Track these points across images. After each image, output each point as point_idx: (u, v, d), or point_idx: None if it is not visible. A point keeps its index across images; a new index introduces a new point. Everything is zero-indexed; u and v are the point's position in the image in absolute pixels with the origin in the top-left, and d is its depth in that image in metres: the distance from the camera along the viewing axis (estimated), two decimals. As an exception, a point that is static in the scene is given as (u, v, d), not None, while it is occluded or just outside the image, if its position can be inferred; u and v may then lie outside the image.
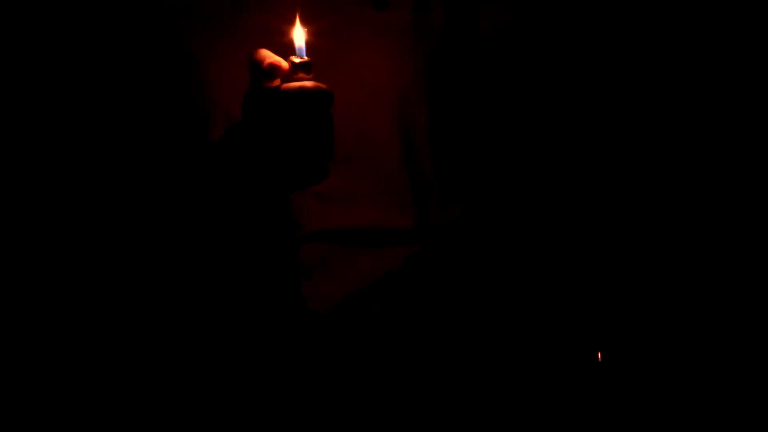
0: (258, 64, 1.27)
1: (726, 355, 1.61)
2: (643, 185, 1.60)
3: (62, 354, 1.53)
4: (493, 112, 1.50)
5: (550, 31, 1.52)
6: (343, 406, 1.44)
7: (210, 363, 1.46)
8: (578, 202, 1.55)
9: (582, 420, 1.52)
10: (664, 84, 1.61)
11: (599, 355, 1.53)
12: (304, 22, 1.29)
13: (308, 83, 1.26)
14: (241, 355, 1.45)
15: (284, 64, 1.27)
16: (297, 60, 1.27)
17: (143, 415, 1.48)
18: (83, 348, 1.52)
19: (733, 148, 1.63)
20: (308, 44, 1.29)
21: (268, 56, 1.27)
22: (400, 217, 1.46)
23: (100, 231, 1.48)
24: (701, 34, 1.61)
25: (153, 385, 1.47)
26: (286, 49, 1.28)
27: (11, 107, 1.51)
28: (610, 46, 1.57)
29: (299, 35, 1.28)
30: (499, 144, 1.51)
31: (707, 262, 1.61)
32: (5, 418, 1.54)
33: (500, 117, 1.50)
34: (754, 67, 1.63)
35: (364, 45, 1.45)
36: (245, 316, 1.45)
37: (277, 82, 1.26)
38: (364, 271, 1.45)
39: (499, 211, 1.51)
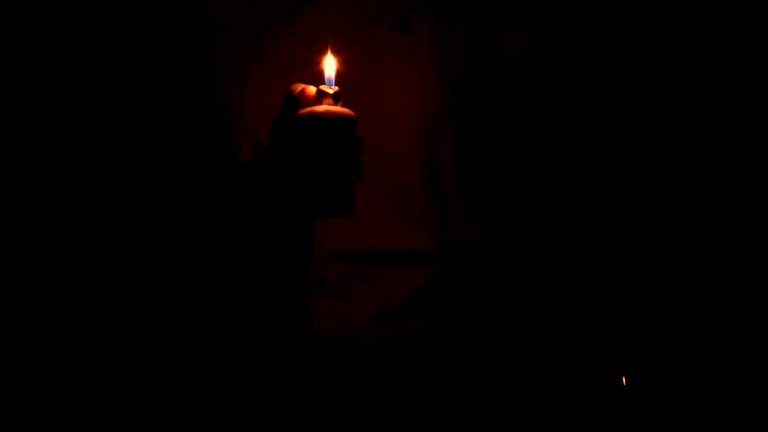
0: (290, 92, 1.29)
1: (727, 356, 1.61)
2: (677, 209, 1.59)
3: (67, 355, 1.55)
4: (516, 134, 1.51)
5: (573, 51, 1.52)
6: (365, 426, 1.45)
7: (230, 382, 1.47)
8: (604, 225, 1.56)
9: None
10: (690, 98, 1.59)
11: (623, 379, 1.53)
12: (335, 52, 1.30)
13: (320, 108, 1.26)
14: (264, 375, 1.46)
15: (312, 90, 1.28)
16: (325, 89, 1.28)
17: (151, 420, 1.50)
18: (92, 351, 1.54)
19: (740, 152, 1.62)
20: (337, 72, 1.30)
21: (300, 85, 1.29)
22: (424, 238, 1.47)
23: (127, 248, 1.49)
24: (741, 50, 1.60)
25: (169, 400, 1.49)
26: (319, 78, 1.30)
27: (45, 126, 1.53)
28: (636, 67, 1.57)
29: (330, 65, 1.30)
30: (522, 165, 1.51)
31: (725, 271, 1.61)
32: (5, 418, 1.56)
33: (524, 139, 1.51)
34: (755, 68, 1.62)
35: (389, 68, 1.46)
36: (269, 336, 1.46)
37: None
38: (388, 291, 1.46)
39: (523, 233, 1.52)
